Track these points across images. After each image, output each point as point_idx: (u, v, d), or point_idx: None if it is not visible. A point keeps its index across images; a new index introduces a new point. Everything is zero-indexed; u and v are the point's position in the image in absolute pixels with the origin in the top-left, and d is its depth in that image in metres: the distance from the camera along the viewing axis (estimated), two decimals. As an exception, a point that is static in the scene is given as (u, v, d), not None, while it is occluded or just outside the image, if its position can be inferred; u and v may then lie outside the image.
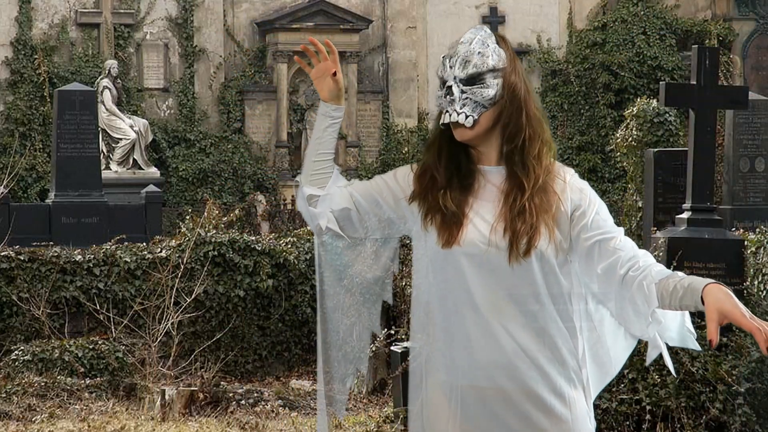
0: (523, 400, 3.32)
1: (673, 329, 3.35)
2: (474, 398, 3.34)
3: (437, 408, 3.40)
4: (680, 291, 3.21)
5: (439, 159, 3.43)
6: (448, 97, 3.38)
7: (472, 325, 3.34)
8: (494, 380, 3.33)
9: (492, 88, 3.36)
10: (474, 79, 3.36)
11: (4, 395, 9.19)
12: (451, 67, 3.39)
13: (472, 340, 3.34)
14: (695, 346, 3.40)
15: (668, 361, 3.38)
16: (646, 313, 3.27)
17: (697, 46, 8.39)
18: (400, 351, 7.98)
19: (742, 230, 10.39)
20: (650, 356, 3.37)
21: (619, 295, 3.32)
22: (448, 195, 3.39)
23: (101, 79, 21.03)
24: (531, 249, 3.30)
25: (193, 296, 10.51)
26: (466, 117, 3.35)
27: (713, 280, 3.22)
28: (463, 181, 3.40)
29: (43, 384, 9.38)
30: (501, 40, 3.43)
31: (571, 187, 3.39)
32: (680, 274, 3.30)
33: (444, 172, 3.41)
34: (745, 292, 7.79)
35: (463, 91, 3.36)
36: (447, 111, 3.38)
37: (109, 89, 20.96)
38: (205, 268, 10.85)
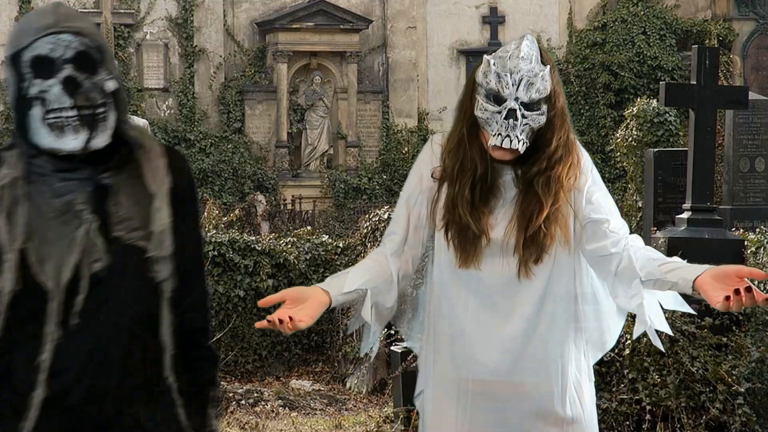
0: (532, 394, 3.33)
1: (665, 296, 3.39)
2: (481, 392, 3.34)
3: (442, 403, 3.40)
4: (672, 270, 3.29)
5: (463, 168, 3.33)
6: (510, 120, 3.24)
7: (477, 328, 3.34)
8: (501, 375, 3.33)
9: (545, 114, 3.27)
10: (533, 105, 3.25)
11: (4, 395, 9.19)
12: (514, 85, 3.25)
13: (477, 341, 3.34)
14: (689, 309, 3.46)
15: (654, 338, 3.39)
16: (632, 285, 3.31)
17: (697, 46, 8.39)
18: (400, 351, 7.98)
19: (742, 230, 10.39)
20: (636, 331, 3.39)
21: (609, 274, 3.34)
22: (468, 215, 3.31)
23: (101, 79, 21.04)
24: (539, 261, 3.29)
25: (193, 296, 10.50)
26: (524, 144, 3.25)
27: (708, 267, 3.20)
28: (483, 194, 3.33)
29: (43, 384, 9.37)
30: (544, 54, 3.31)
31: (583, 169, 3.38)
32: (674, 260, 3.33)
33: (464, 186, 3.32)
34: (745, 292, 7.79)
35: (524, 116, 3.24)
36: (508, 136, 3.23)
37: (109, 89, 20.97)
38: (205, 268, 10.84)
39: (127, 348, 2.87)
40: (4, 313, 2.82)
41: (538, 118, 3.25)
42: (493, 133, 3.24)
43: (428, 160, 3.41)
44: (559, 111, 3.30)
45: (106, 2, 22.40)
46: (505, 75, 3.24)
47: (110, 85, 2.89)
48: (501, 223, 3.32)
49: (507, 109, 3.23)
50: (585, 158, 3.38)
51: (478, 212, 3.30)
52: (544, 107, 3.26)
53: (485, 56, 3.32)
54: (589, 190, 3.35)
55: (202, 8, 23.04)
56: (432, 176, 3.38)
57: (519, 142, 3.23)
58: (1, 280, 2.82)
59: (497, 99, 3.26)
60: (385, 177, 23.35)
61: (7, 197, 2.86)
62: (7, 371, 2.85)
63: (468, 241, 3.30)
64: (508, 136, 3.23)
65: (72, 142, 2.83)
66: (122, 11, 22.65)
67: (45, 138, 2.84)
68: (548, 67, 3.27)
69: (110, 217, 2.87)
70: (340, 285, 3.33)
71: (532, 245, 3.27)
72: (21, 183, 2.87)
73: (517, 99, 3.23)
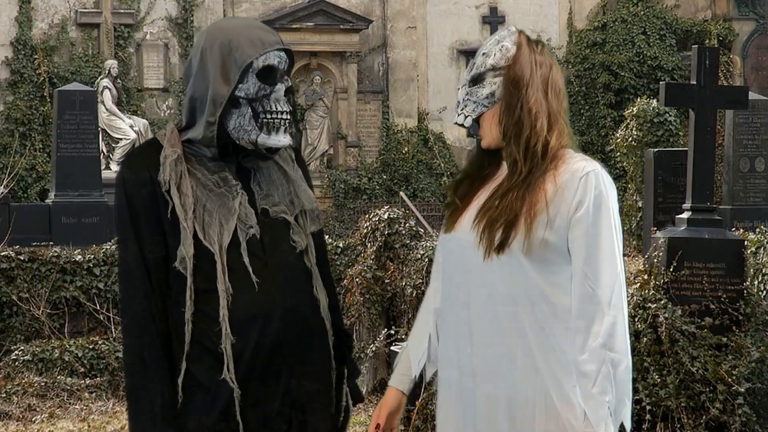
0: (503, 406, 3.25)
1: None
2: (467, 398, 3.29)
3: (445, 405, 3.39)
4: None
5: (468, 165, 3.47)
6: (459, 100, 3.40)
7: (459, 322, 3.30)
8: (477, 382, 3.27)
9: (488, 87, 3.31)
10: (476, 80, 3.34)
11: (4, 395, 9.19)
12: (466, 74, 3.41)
13: (458, 337, 3.31)
14: None
15: None
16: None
17: (697, 46, 8.38)
18: (400, 351, 7.99)
19: (742, 230, 10.38)
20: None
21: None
22: (458, 187, 3.40)
23: (101, 79, 21.02)
24: (504, 247, 3.19)
25: (193, 296, 10.49)
26: (465, 117, 3.34)
27: None
28: (480, 173, 3.39)
29: (43, 384, 9.38)
30: (519, 36, 3.34)
31: (578, 189, 3.21)
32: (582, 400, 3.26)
33: (466, 171, 3.44)
34: (745, 292, 7.79)
35: (467, 93, 3.35)
36: (457, 113, 3.39)
37: (109, 89, 20.96)
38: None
39: (288, 303, 3.34)
40: (191, 276, 3.29)
41: (480, 91, 3.32)
42: None
43: None
44: (509, 84, 3.29)
45: (106, 2, 22.39)
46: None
47: None
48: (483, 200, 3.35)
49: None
50: (594, 190, 3.23)
51: (460, 191, 3.38)
52: (493, 81, 3.31)
53: None
54: (578, 218, 3.21)
55: (202, 8, 23.03)
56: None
57: (458, 116, 3.36)
58: (183, 246, 3.30)
59: None
60: (385, 177, 23.34)
61: (174, 172, 3.34)
62: (198, 324, 3.32)
63: (453, 210, 3.37)
64: (457, 113, 3.40)
65: (283, 139, 3.38)
66: (122, 11, 22.64)
67: (250, 134, 3.35)
68: (505, 44, 3.31)
69: (254, 193, 3.39)
70: (407, 376, 3.51)
71: (495, 224, 3.22)
72: (182, 160, 3.36)
73: (465, 81, 3.38)
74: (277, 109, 3.37)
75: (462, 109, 3.35)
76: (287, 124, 3.39)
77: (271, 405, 3.36)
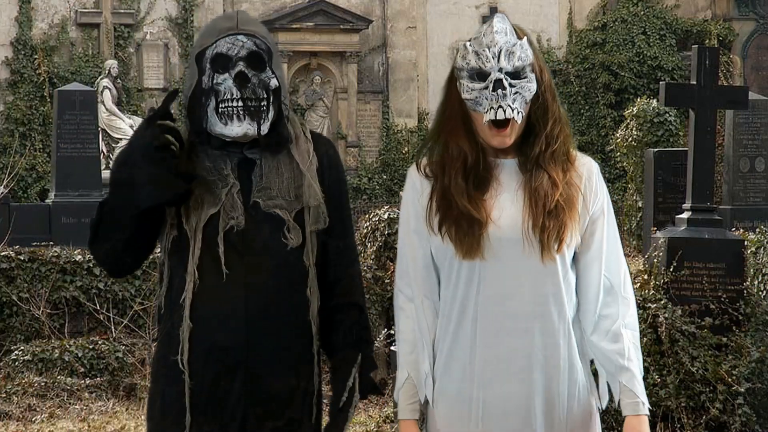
0: (535, 410, 3.24)
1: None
2: (492, 407, 3.25)
3: (453, 415, 3.32)
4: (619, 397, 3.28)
5: (451, 158, 3.23)
6: (498, 90, 3.13)
7: (483, 332, 3.23)
8: (510, 392, 3.24)
9: (533, 82, 3.17)
10: (519, 73, 3.15)
11: (4, 395, 9.19)
12: (494, 58, 3.14)
13: (483, 348, 3.23)
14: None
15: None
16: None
17: (697, 46, 8.39)
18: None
19: (742, 230, 10.38)
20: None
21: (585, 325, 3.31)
22: (464, 202, 3.18)
23: (101, 79, 21.03)
24: (563, 244, 3.18)
25: (193, 296, 10.48)
26: (518, 113, 3.15)
27: (639, 413, 3.22)
28: (477, 182, 3.21)
29: (43, 384, 9.38)
30: (520, 31, 3.23)
31: (596, 185, 3.27)
32: (626, 382, 3.25)
33: (455, 175, 3.22)
34: (745, 292, 7.80)
35: (512, 85, 3.14)
36: (500, 107, 3.13)
37: (109, 89, 20.96)
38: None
39: (257, 301, 3.24)
40: (167, 254, 3.30)
41: (528, 86, 3.16)
42: (485, 110, 3.15)
43: (411, 187, 3.31)
44: (548, 85, 3.22)
45: (106, 2, 22.40)
46: (484, 50, 3.15)
47: (274, 83, 3.39)
48: (509, 210, 3.19)
49: (493, 81, 3.14)
50: (593, 171, 3.29)
51: (475, 200, 3.19)
52: (532, 76, 3.17)
53: (461, 43, 3.28)
54: (597, 213, 3.28)
55: (202, 8, 23.04)
56: (426, 174, 3.28)
57: (513, 110, 3.13)
58: (167, 227, 3.31)
59: (481, 75, 3.16)
60: (385, 177, 23.35)
61: None
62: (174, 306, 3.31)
63: (465, 232, 3.18)
64: (500, 107, 3.13)
65: (236, 128, 3.27)
66: (122, 11, 22.65)
67: (215, 125, 3.28)
68: (525, 38, 3.19)
69: (252, 185, 3.29)
70: (416, 402, 3.39)
71: (552, 224, 3.17)
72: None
73: (501, 69, 3.14)
74: (228, 96, 3.27)
75: (513, 103, 3.15)
76: (240, 112, 3.27)
77: (222, 409, 3.27)
